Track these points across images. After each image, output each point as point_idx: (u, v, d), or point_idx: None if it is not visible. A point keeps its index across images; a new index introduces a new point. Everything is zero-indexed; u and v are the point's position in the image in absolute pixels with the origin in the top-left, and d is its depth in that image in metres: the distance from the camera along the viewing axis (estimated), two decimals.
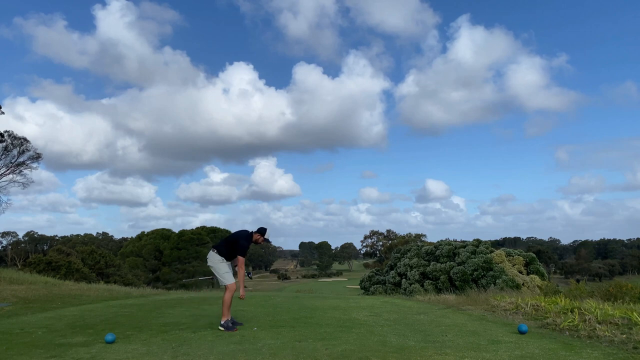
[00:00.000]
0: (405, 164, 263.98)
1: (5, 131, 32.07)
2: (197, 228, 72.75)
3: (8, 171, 32.41)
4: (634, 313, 6.67)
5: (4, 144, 31.88)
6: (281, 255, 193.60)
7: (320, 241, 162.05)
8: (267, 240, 6.97)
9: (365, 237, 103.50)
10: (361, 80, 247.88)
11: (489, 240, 36.00)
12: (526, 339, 6.02)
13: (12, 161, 32.61)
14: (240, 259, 6.68)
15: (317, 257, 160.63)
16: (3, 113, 30.40)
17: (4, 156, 32.29)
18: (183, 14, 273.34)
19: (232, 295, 6.82)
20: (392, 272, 35.96)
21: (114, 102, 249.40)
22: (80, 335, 6.59)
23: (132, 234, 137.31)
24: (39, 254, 51.42)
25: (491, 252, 32.27)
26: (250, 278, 7.18)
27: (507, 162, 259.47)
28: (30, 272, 22.99)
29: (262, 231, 6.88)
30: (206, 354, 5.29)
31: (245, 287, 7.02)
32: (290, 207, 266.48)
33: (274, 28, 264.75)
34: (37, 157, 33.22)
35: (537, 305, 8.44)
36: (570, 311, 7.49)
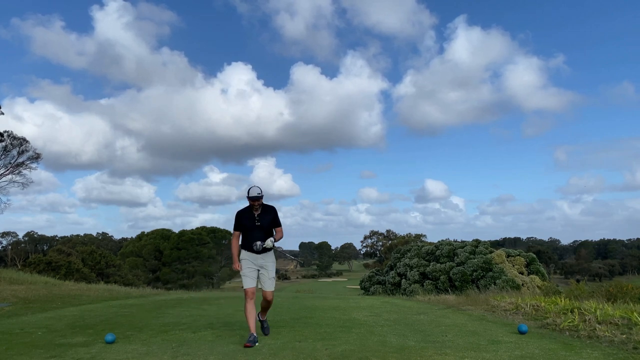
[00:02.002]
0: (404, 164, 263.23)
1: (5, 131, 32.09)
2: (197, 228, 72.63)
3: (7, 171, 32.44)
4: (634, 313, 6.67)
5: (4, 143, 31.90)
6: (281, 255, 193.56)
7: (320, 241, 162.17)
8: (254, 199, 5.89)
9: (365, 237, 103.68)
10: (359, 80, 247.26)
11: (489, 241, 36.05)
12: (526, 339, 6.02)
13: (12, 161, 32.66)
14: (234, 234, 6.17)
15: (317, 257, 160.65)
16: (2, 113, 30.42)
17: (3, 156, 32.33)
18: (180, 15, 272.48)
19: (249, 302, 5.98)
20: (392, 272, 35.98)
21: (112, 102, 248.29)
22: (80, 335, 6.59)
23: (131, 234, 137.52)
24: (39, 254, 51.44)
25: (490, 252, 32.31)
26: (256, 250, 5.92)
27: (506, 162, 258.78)
28: (30, 272, 22.99)
29: (247, 193, 5.99)
30: (206, 354, 5.29)
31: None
32: (290, 207, 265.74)
33: (270, 29, 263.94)
34: (36, 157, 33.25)
35: (537, 306, 8.44)
36: (570, 311, 7.49)
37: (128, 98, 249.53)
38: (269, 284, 6.12)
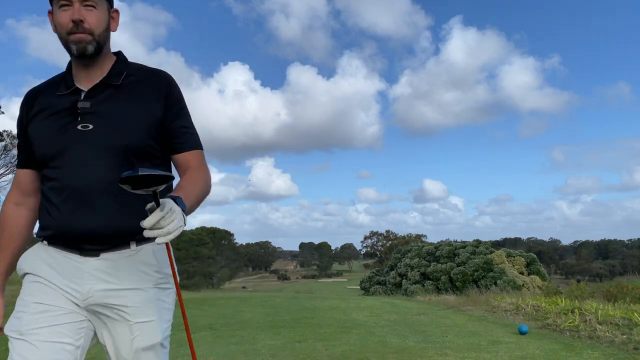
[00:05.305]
0: (401, 164, 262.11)
1: (4, 130, 32.13)
2: (196, 229, 72.52)
3: (8, 171, 32.45)
4: (635, 313, 6.66)
5: (4, 143, 31.93)
6: (281, 255, 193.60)
7: (320, 242, 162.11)
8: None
9: (365, 238, 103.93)
10: (355, 81, 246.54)
11: (489, 241, 36.10)
12: (527, 339, 6.01)
13: (12, 161, 32.65)
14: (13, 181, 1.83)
15: (317, 257, 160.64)
16: (3, 113, 30.49)
17: (3, 156, 32.35)
18: (176, 16, 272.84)
19: None
20: (393, 272, 35.97)
21: None
22: None
23: None
24: None
25: (491, 252, 32.33)
26: None
27: (503, 162, 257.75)
28: None
29: None
30: (206, 354, 5.28)
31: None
32: (289, 208, 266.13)
33: (266, 30, 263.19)
34: None
35: (538, 306, 8.44)
36: (571, 312, 7.48)
37: None
38: None
